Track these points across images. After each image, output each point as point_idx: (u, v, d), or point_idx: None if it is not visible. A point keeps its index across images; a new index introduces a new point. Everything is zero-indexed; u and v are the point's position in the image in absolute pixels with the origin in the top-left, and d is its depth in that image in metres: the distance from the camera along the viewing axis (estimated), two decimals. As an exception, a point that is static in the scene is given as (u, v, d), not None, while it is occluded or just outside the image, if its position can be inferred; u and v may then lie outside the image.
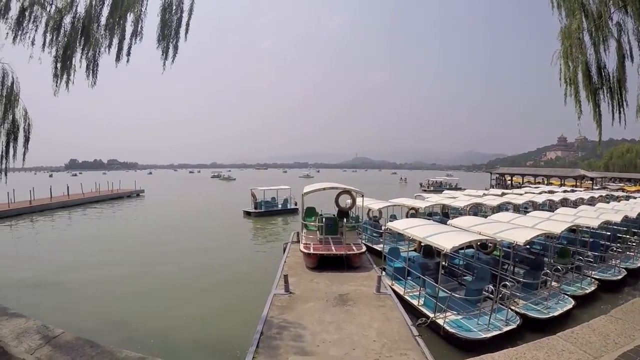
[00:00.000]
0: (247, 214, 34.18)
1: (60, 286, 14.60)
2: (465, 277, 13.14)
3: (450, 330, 9.52)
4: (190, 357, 9.24)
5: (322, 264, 14.26)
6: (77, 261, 18.51)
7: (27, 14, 9.93)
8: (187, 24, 9.68)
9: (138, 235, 25.73)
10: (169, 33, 9.56)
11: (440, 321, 9.84)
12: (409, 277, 12.48)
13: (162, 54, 9.61)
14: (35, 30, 10.07)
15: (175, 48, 9.69)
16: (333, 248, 14.97)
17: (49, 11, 10.00)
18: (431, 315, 10.19)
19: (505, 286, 10.69)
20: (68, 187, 47.48)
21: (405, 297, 11.63)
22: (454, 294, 10.55)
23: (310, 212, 18.29)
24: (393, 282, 12.86)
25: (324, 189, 17.49)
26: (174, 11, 9.52)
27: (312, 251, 14.57)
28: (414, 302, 11.23)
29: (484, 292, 10.65)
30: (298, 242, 17.37)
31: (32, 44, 10.04)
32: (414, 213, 21.78)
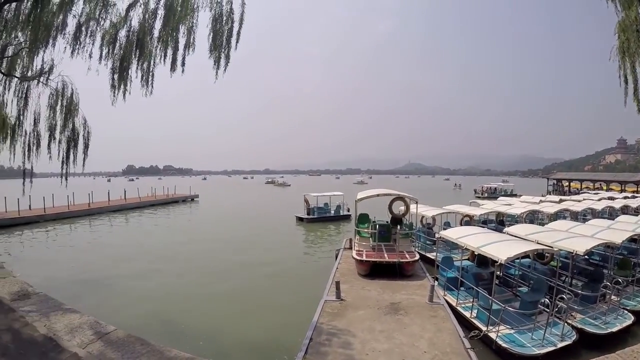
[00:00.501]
0: (300, 219, 34.17)
1: (115, 285, 15.12)
2: (520, 288, 12.58)
3: (503, 345, 9.11)
4: (238, 360, 9.28)
5: (375, 271, 14.05)
6: (131, 261, 19.17)
7: (83, 29, 10.40)
8: (238, 33, 9.87)
9: (191, 237, 26.36)
10: (220, 43, 9.73)
11: (492, 335, 9.44)
12: (462, 288, 12.10)
13: (214, 64, 9.84)
14: (92, 44, 10.56)
15: (227, 57, 9.94)
16: (386, 255, 14.69)
17: (104, 26, 10.39)
18: (484, 328, 9.80)
19: (562, 299, 10.01)
20: (125, 192, 49.18)
21: (458, 308, 11.24)
22: (508, 307, 10.06)
23: (363, 218, 18.13)
24: (446, 292, 12.41)
25: (377, 195, 17.19)
26: (224, 22, 9.67)
27: (364, 258, 14.36)
28: (467, 313, 10.85)
29: (539, 305, 10.07)
30: (350, 248, 17.22)
31: (90, 56, 10.53)
32: (468, 220, 21.18)
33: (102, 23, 10.47)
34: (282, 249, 22.52)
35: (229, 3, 9.66)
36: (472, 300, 11.12)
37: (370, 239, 15.98)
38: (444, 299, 11.79)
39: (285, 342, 9.71)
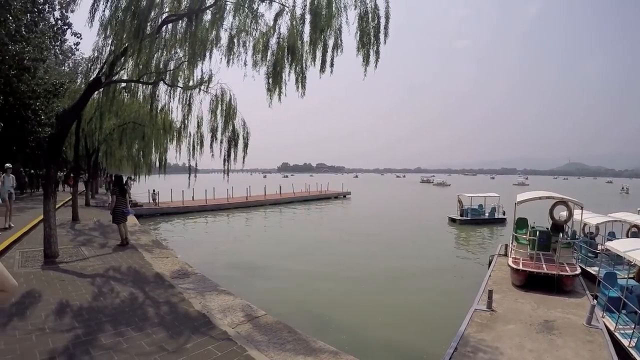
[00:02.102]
0: (452, 220, 32.89)
1: (266, 272, 16.08)
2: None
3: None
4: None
5: (530, 282, 12.85)
6: (282, 252, 20.28)
7: (235, 40, 11.34)
8: (386, 28, 9.95)
9: (340, 232, 27.06)
10: (368, 40, 9.88)
11: (652, 371, 8.10)
12: (623, 310, 10.44)
13: (363, 61, 9.99)
14: (245, 53, 11.44)
15: (377, 54, 10.04)
16: (544, 266, 13.26)
17: (255, 35, 11.20)
18: (642, 361, 8.46)
19: None
20: (280, 187, 51.94)
21: (616, 333, 9.83)
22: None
23: (521, 223, 16.68)
24: (604, 313, 10.97)
25: (539, 198, 15.83)
26: (370, 19, 9.79)
27: (520, 267, 13.14)
28: (624, 341, 9.45)
29: None
30: (505, 255, 16.19)
31: (245, 64, 11.46)
32: (636, 232, 18.15)
33: (252, 33, 11.28)
34: (432, 250, 22.05)
35: (372, 0, 9.75)
36: (633, 326, 9.69)
37: (528, 246, 14.59)
38: (602, 321, 10.42)
39: (428, 347, 9.52)
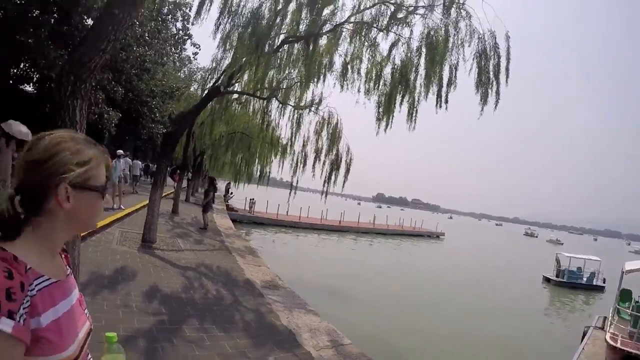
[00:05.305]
0: (547, 280, 30.13)
1: (354, 300, 15.65)
2: None
3: None
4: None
5: None
6: (369, 282, 19.69)
7: (349, 67, 11.50)
8: (507, 69, 9.52)
9: (427, 272, 26.05)
10: (487, 79, 9.58)
11: None
12: None
13: (480, 100, 9.67)
14: (359, 80, 11.56)
15: (497, 94, 9.61)
16: None
17: (368, 63, 11.34)
18: None
19: None
20: (374, 217, 51.42)
21: None
22: None
23: (625, 295, 15.02)
24: None
25: None
26: (488, 57, 9.51)
27: (618, 345, 11.50)
28: None
29: None
30: (602, 328, 14.20)
31: (358, 91, 11.56)
32: None
33: (366, 61, 11.43)
34: (519, 309, 20.28)
35: (492, 37, 9.40)
36: None
37: (630, 322, 13.00)
38: None
39: None
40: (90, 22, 16.38)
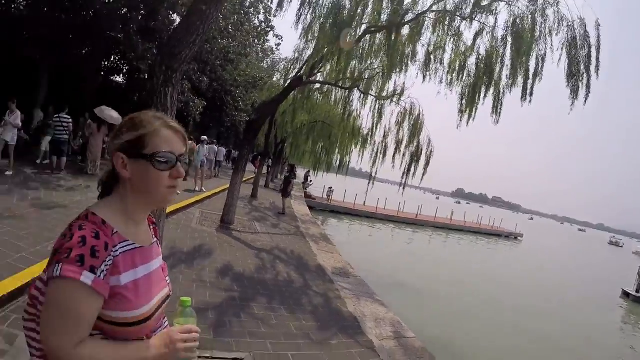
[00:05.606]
0: (626, 294, 27.03)
1: (424, 296, 15.53)
2: None
3: None
4: None
5: None
6: (443, 279, 19.39)
7: (432, 57, 11.26)
8: (597, 60, 8.98)
9: (501, 275, 25.04)
10: (577, 70, 9.09)
11: None
12: None
13: (571, 94, 9.21)
14: (443, 71, 11.30)
15: (587, 88, 9.10)
16: None
17: (452, 54, 11.04)
18: None
19: None
20: (452, 212, 50.11)
21: None
22: None
23: None
24: None
25: None
26: (579, 46, 8.99)
27: None
28: None
29: None
30: None
31: (440, 82, 11.32)
32: None
33: (449, 51, 11.13)
34: (593, 322, 18.56)
35: (583, 25, 8.86)
36: None
37: None
38: None
39: None
40: (175, 17, 17.64)
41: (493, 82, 10.36)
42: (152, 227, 1.49)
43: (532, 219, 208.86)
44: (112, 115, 12.48)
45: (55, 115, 11.91)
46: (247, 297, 5.85)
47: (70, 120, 12.12)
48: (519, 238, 53.47)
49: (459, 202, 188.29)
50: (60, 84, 16.73)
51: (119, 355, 1.20)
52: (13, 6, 14.28)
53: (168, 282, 1.49)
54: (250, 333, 4.71)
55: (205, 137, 17.07)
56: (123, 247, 1.25)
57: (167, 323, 1.52)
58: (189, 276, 6.05)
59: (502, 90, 10.40)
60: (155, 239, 1.47)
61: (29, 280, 4.17)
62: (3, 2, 13.75)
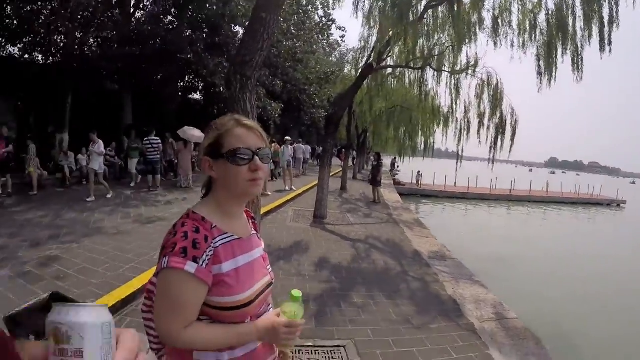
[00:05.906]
0: None
1: (526, 274, 14.78)
2: None
3: None
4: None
5: None
6: (545, 257, 18.21)
7: (499, 21, 10.71)
8: None
9: (599, 248, 22.34)
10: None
11: None
12: None
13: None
14: (513, 33, 10.74)
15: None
16: None
17: (519, 14, 10.45)
18: None
19: None
20: (547, 184, 47.35)
21: None
22: None
23: None
24: None
25: None
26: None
27: None
28: None
29: None
30: None
31: (512, 46, 10.81)
32: None
33: (516, 12, 10.57)
34: None
35: None
36: None
37: None
38: None
39: None
40: (238, 29, 18.58)
41: (569, 37, 9.78)
42: (250, 220, 1.64)
43: (634, 182, 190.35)
44: (193, 134, 13.36)
45: (145, 139, 13.02)
46: (346, 286, 5.99)
47: (159, 141, 13.30)
48: (621, 205, 48.64)
49: (554, 172, 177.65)
50: (143, 109, 18.18)
51: (220, 333, 1.35)
52: (85, 48, 15.56)
53: (270, 271, 1.64)
54: (351, 321, 4.83)
55: (289, 138, 17.62)
56: (223, 239, 1.40)
57: (271, 308, 1.65)
58: (288, 271, 6.36)
59: (579, 44, 9.81)
60: (254, 232, 1.61)
61: (140, 287, 4.61)
62: (76, 47, 14.90)
